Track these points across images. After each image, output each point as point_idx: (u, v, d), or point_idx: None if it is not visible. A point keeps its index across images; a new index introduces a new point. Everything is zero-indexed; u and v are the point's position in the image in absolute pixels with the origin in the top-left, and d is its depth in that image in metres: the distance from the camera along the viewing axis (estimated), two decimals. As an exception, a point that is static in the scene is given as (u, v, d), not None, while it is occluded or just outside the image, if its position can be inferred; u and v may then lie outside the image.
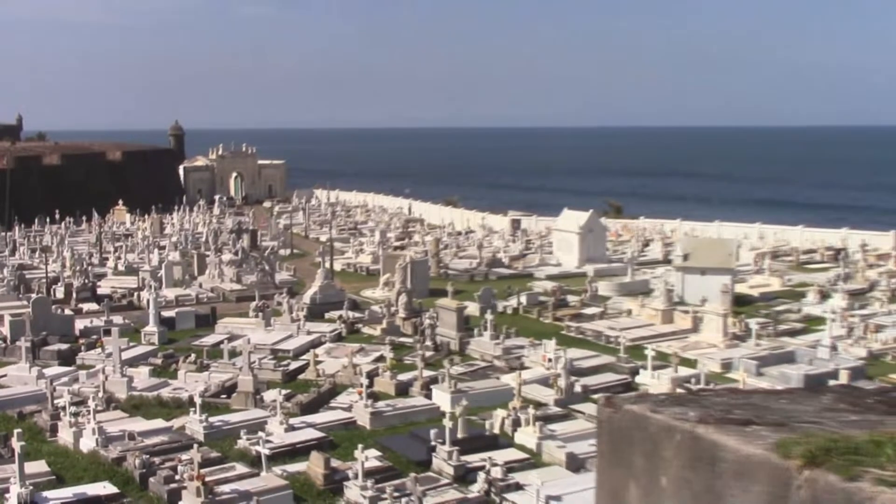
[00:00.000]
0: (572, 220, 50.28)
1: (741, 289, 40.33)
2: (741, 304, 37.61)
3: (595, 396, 25.64)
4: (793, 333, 33.54)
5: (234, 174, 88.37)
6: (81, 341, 31.58)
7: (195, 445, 19.94)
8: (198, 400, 22.77)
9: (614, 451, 3.13)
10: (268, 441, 20.46)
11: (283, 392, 24.63)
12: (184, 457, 19.28)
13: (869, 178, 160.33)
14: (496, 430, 22.44)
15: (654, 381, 26.67)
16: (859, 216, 78.55)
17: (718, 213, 71.29)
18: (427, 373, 26.64)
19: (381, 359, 28.91)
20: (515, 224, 63.90)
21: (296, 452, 20.56)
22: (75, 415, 22.08)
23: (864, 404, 3.06)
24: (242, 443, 21.02)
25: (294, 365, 28.97)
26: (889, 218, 78.63)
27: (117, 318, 33.92)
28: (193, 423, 22.25)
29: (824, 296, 39.73)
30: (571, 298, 39.04)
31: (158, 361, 29.21)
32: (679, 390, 25.03)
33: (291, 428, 22.15)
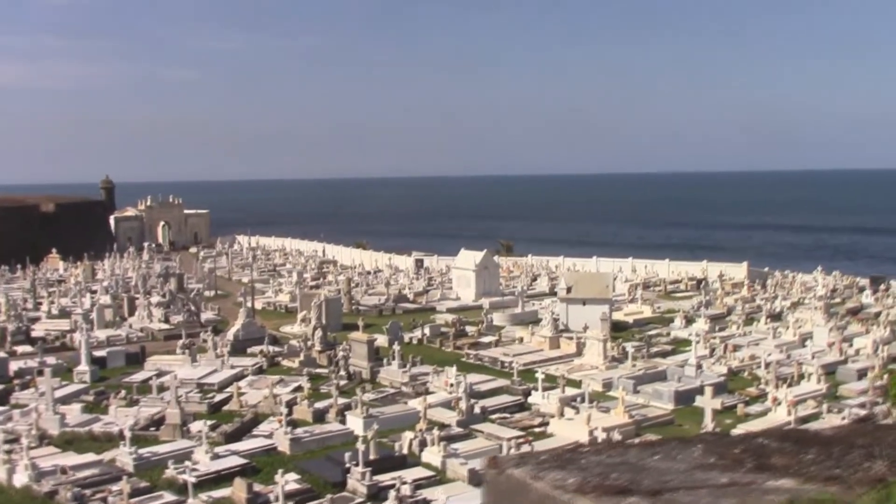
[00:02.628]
0: (469, 258, 50.46)
1: (617, 316, 40.90)
2: (618, 329, 38.16)
3: (493, 416, 25.61)
4: (663, 354, 34.11)
5: (162, 223, 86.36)
6: (15, 382, 30.07)
7: (125, 477, 19.12)
8: (127, 433, 21.86)
9: None
10: (194, 469, 19.72)
11: (209, 423, 23.91)
12: (114, 488, 18.44)
13: (714, 217, 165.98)
14: (405, 451, 22.12)
15: (544, 401, 26.74)
16: (703, 251, 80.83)
17: (596, 249, 72.47)
18: (341, 400, 26.15)
19: (299, 389, 28.31)
20: (418, 263, 63.87)
21: (221, 479, 19.87)
22: (8, 452, 20.92)
23: (732, 456, 2.94)
24: (170, 472, 20.21)
25: (219, 397, 28.09)
26: (729, 251, 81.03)
27: (51, 359, 32.43)
28: (123, 456, 21.31)
29: (689, 320, 40.62)
30: (469, 329, 39.03)
31: (90, 398, 27.97)
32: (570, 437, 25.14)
33: (216, 456, 21.43)
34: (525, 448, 21.63)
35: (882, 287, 51.02)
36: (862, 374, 30.16)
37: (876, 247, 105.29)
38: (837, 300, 47.14)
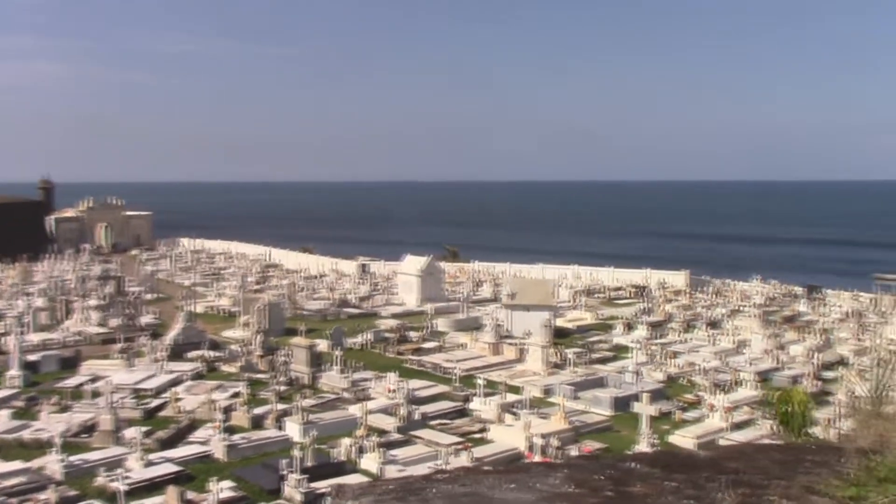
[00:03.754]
0: (414, 263, 50.39)
1: (560, 323, 41.17)
2: (560, 336, 38.37)
3: (433, 423, 25.54)
4: (604, 361, 34.40)
5: (104, 224, 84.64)
6: (-57, 386, 29.19)
7: (53, 485, 18.66)
8: (58, 440, 21.32)
9: None
10: (126, 477, 19.32)
11: (143, 429, 23.42)
12: (41, 497, 17.96)
13: (660, 226, 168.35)
14: (343, 458, 21.94)
15: (484, 407, 26.76)
16: (646, 259, 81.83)
17: (541, 256, 72.86)
18: (281, 406, 25.88)
19: (238, 394, 27.92)
20: (363, 268, 63.55)
21: (154, 487, 19.48)
22: (-68, 460, 20.27)
23: (591, 484, 2.92)
24: (101, 480, 19.77)
25: (155, 403, 27.58)
26: (666, 259, 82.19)
27: (-19, 363, 31.55)
28: (53, 463, 20.77)
29: (630, 327, 41.05)
30: (413, 334, 38.94)
31: (20, 404, 27.25)
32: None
33: (150, 463, 21.02)
34: (464, 454, 21.61)
35: (817, 296, 52.19)
36: (796, 380, 30.75)
37: (814, 257, 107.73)
38: (774, 308, 48.04)
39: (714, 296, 53.12)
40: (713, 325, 42.48)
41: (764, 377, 31.05)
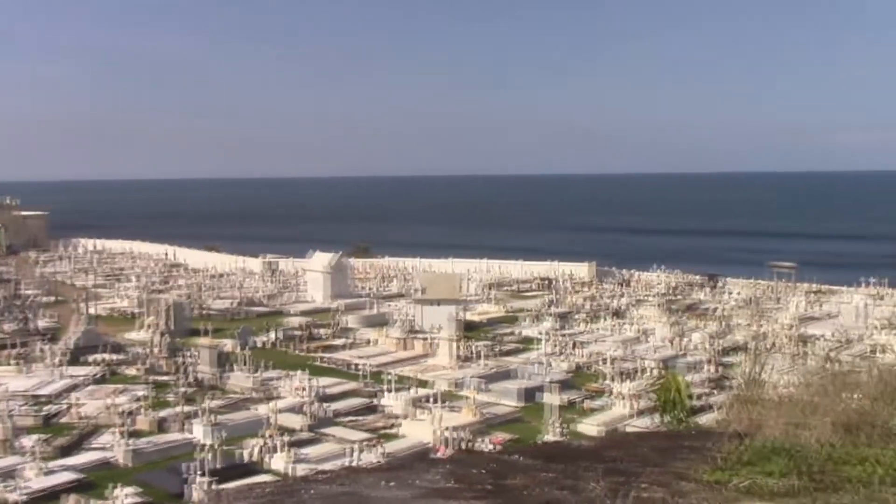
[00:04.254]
0: (322, 260, 50.01)
1: (470, 316, 41.47)
2: (469, 329, 38.65)
3: (342, 419, 25.44)
4: (513, 353, 34.81)
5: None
6: None
7: (-56, 498, 17.87)
8: (-51, 451, 20.44)
9: None
10: (24, 487, 18.67)
11: (41, 437, 22.66)
12: (-69, 511, 17.19)
13: (567, 218, 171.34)
14: (251, 458, 21.66)
15: (394, 402, 26.78)
16: (553, 253, 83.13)
17: (451, 250, 73.19)
18: (187, 408, 25.36)
19: (141, 398, 27.22)
20: (271, 266, 62.74)
21: (53, 496, 18.86)
22: None
23: (471, 478, 2.99)
24: (-4, 491, 19.03)
25: (53, 409, 26.65)
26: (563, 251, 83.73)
27: None
28: (-56, 475, 19.91)
29: (538, 319, 41.65)
30: (321, 332, 38.65)
31: None
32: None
33: (49, 472, 20.34)
34: (375, 449, 21.60)
35: (717, 284, 53.96)
36: (697, 366, 31.74)
37: (713, 247, 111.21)
38: (676, 297, 49.45)
39: (619, 286, 54.34)
40: (618, 314, 43.46)
41: (667, 364, 31.91)
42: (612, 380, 29.19)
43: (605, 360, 32.30)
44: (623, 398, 26.47)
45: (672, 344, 35.84)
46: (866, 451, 3.70)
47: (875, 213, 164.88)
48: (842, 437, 4.03)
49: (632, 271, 60.75)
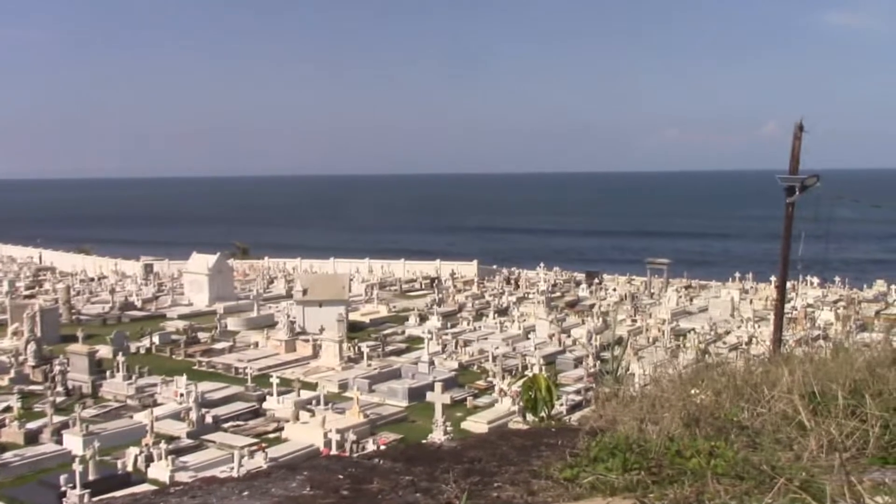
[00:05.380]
0: (202, 262, 48.76)
1: (354, 317, 41.26)
2: (355, 330, 38.49)
3: (226, 425, 24.88)
4: (399, 353, 34.85)
5: None
6: None
7: None
8: None
9: None
10: None
11: None
12: None
13: (448, 218, 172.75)
14: (129, 468, 20.91)
15: (279, 406, 26.38)
16: (437, 252, 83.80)
17: (333, 251, 72.69)
18: (59, 418, 24.26)
19: (8, 409, 25.92)
20: (148, 268, 60.76)
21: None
22: None
23: (330, 485, 2.98)
24: None
25: (-90, 424, 25.04)
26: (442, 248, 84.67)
27: None
28: None
29: (423, 318, 41.81)
30: (202, 335, 37.66)
31: None
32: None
33: None
34: (258, 455, 21.20)
35: (596, 281, 55.47)
36: (578, 362, 32.52)
37: (591, 246, 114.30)
38: (557, 294, 50.55)
39: (506, 284, 55.14)
40: (502, 312, 44.09)
41: (549, 360, 32.58)
42: (496, 377, 29.56)
43: (489, 358, 32.73)
44: (507, 395, 26.86)
45: (554, 340, 36.60)
46: (704, 443, 3.83)
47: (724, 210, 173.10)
48: (682, 431, 4.15)
49: (513, 269, 61.82)
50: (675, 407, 4.52)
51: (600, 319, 40.69)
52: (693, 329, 38.45)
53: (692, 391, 5.15)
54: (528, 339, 37.02)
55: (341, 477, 2.98)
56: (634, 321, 40.87)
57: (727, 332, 38.29)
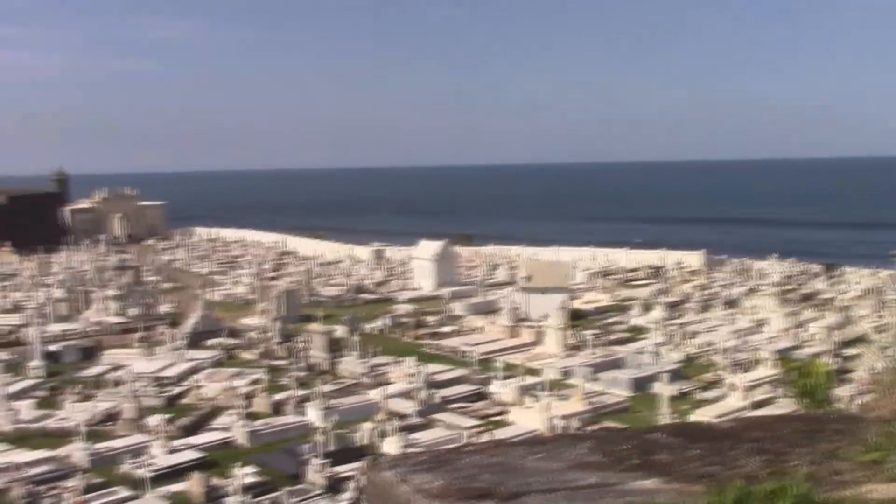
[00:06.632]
0: (429, 248, 50.49)
1: (577, 305, 41.18)
2: (577, 318, 38.38)
3: (451, 406, 25.69)
4: (621, 342, 34.41)
5: (118, 215, 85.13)
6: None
7: (79, 473, 18.91)
8: (82, 429, 21.60)
9: None
10: (150, 464, 19.58)
11: (165, 417, 23.69)
12: (67, 484, 18.21)
13: (673, 208, 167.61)
14: (364, 442, 22.12)
15: (503, 390, 26.87)
16: (661, 241, 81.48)
17: (556, 238, 72.79)
18: (300, 392, 26.08)
19: (257, 381, 28.17)
20: (378, 254, 63.69)
21: (177, 473, 19.72)
22: (-41, 449, 20.58)
23: (616, 453, 3.00)
24: (126, 467, 20.04)
25: (175, 391, 27.85)
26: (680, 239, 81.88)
27: (2, 355, 31.86)
28: (78, 452, 21.05)
29: (647, 308, 41.01)
30: (429, 319, 39.04)
31: (43, 394, 27.58)
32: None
33: (173, 450, 21.27)
34: (484, 437, 21.75)
35: (835, 273, 51.98)
36: (815, 358, 30.69)
37: (829, 238, 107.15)
38: (792, 286, 47.88)
39: (732, 275, 52.93)
40: (730, 304, 42.39)
41: (783, 355, 30.98)
42: (726, 370, 28.52)
43: (717, 351, 31.61)
44: (737, 389, 25.85)
45: (788, 334, 34.74)
46: None
47: None
48: None
49: (743, 259, 59.12)
50: None
51: (840, 314, 38.17)
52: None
53: None
54: (759, 332, 35.40)
55: (626, 447, 3.05)
56: (881, 316, 37.95)
57: None
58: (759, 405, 24.88)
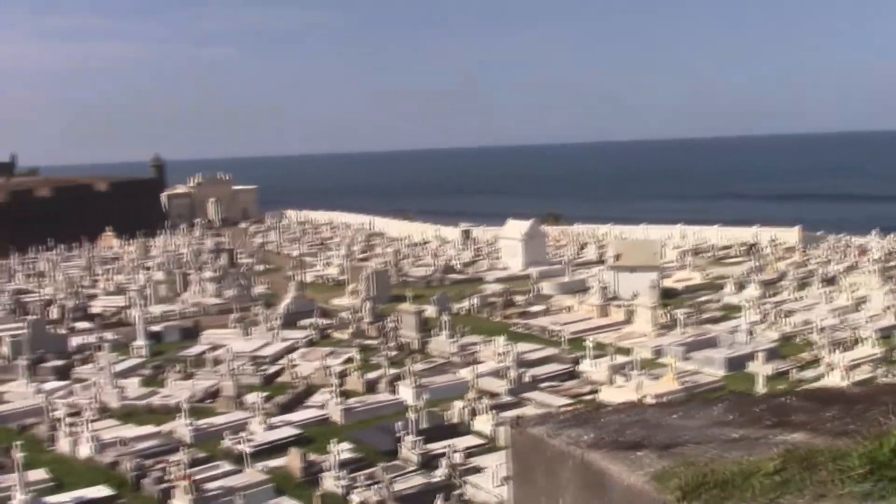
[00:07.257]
0: (516, 228, 50.38)
1: (667, 283, 40.55)
2: (668, 296, 37.81)
3: (542, 385, 25.68)
4: (714, 321, 33.77)
5: (212, 199, 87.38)
6: (75, 357, 30.88)
7: (183, 447, 19.62)
8: (185, 406, 22.39)
9: (521, 471, 3.06)
10: (250, 440, 20.17)
11: (263, 394, 24.35)
12: (173, 458, 18.93)
13: (763, 183, 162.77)
14: (456, 420, 22.32)
15: (594, 369, 26.73)
16: (754, 216, 79.31)
17: (644, 216, 71.70)
18: (392, 371, 26.46)
19: (349, 360, 28.69)
20: (466, 234, 63.84)
21: (275, 449, 20.28)
22: (72, 424, 21.58)
23: (751, 414, 2.99)
24: (227, 443, 20.70)
25: (272, 369, 28.59)
26: (779, 215, 79.50)
27: (108, 335, 33.22)
28: (181, 428, 21.85)
29: (740, 286, 40.12)
30: (518, 298, 39.02)
31: (147, 372, 28.67)
32: (619, 379, 25.15)
33: (271, 427, 21.86)
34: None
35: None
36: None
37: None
38: (895, 263, 46.12)
39: (836, 252, 51.15)
40: (828, 281, 41.09)
41: (885, 334, 29.94)
42: (824, 350, 27.72)
43: (815, 330, 30.73)
44: (836, 368, 25.11)
45: (890, 312, 33.50)
46: None
47: None
48: None
49: (841, 235, 57.18)
50: None
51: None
52: None
53: None
54: (858, 310, 34.26)
55: (758, 409, 3.05)
56: None
57: None
58: (859, 385, 24.11)
